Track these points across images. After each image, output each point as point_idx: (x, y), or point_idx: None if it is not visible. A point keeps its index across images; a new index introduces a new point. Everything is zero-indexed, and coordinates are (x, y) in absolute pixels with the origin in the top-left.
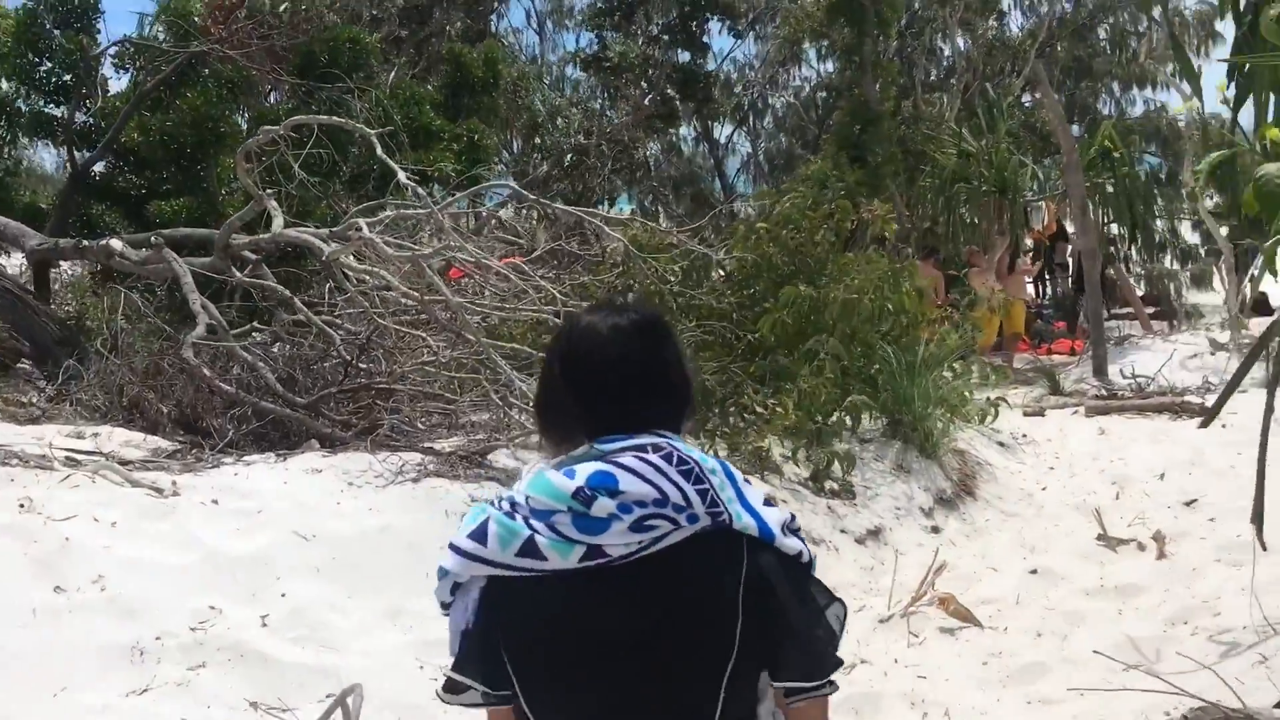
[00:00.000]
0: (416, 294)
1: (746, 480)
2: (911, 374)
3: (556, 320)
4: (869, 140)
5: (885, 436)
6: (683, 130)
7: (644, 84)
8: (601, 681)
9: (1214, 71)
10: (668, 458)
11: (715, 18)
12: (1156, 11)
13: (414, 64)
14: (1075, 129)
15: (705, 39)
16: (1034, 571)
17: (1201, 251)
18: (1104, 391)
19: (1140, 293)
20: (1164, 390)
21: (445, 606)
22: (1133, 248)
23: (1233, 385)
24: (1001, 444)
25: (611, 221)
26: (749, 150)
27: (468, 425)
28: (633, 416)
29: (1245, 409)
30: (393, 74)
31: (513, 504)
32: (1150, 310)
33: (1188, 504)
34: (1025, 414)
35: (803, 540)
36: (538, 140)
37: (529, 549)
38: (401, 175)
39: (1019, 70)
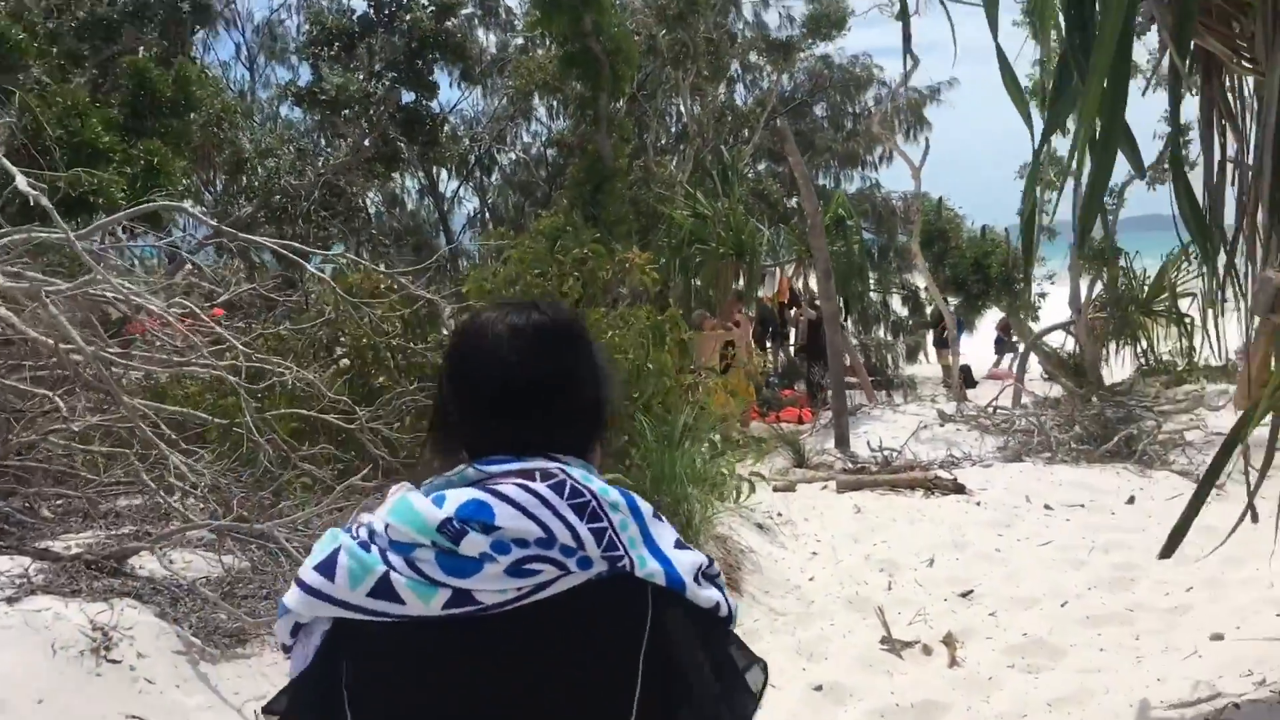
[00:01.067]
0: (50, 341)
1: (658, 517)
2: (671, 447)
3: (238, 380)
4: (603, 198)
5: None
6: (407, 182)
7: (364, 123)
8: None
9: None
10: (558, 487)
11: (443, 60)
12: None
13: (96, 84)
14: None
15: (432, 78)
16: (818, 688)
17: (909, 324)
18: (851, 464)
19: None
20: (911, 464)
21: (286, 650)
22: (848, 318)
23: (1195, 506)
24: (760, 525)
25: (320, 258)
26: (476, 205)
27: (111, 514)
28: (525, 437)
29: (996, 483)
30: (62, 85)
31: (370, 532)
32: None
33: (964, 595)
34: (775, 489)
35: (722, 590)
36: (244, 180)
37: (383, 589)
38: (21, 181)
39: (749, 138)
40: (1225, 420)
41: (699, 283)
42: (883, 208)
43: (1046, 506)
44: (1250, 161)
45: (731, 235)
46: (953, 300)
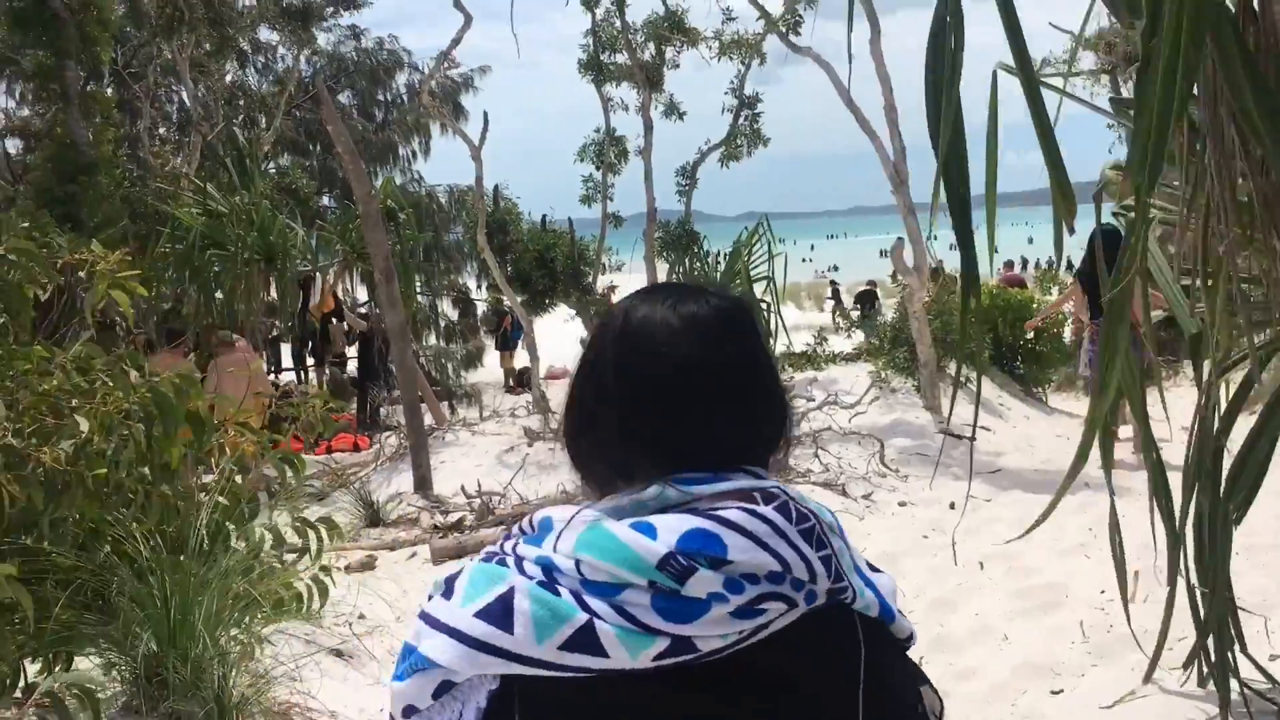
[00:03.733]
0: None
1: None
2: (186, 589)
3: None
4: (82, 195)
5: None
6: None
7: None
8: None
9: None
10: (784, 510)
11: None
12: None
13: None
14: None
15: None
16: None
17: (463, 328)
18: (442, 516)
19: None
20: (522, 508)
21: (407, 716)
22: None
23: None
24: (339, 652)
25: None
26: None
27: None
28: (722, 445)
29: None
30: None
31: (549, 569)
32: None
33: None
34: (347, 569)
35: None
36: None
37: (583, 640)
38: None
39: (269, 124)
40: (837, 417)
41: (220, 295)
42: (426, 203)
43: None
44: None
45: (256, 236)
46: (518, 297)
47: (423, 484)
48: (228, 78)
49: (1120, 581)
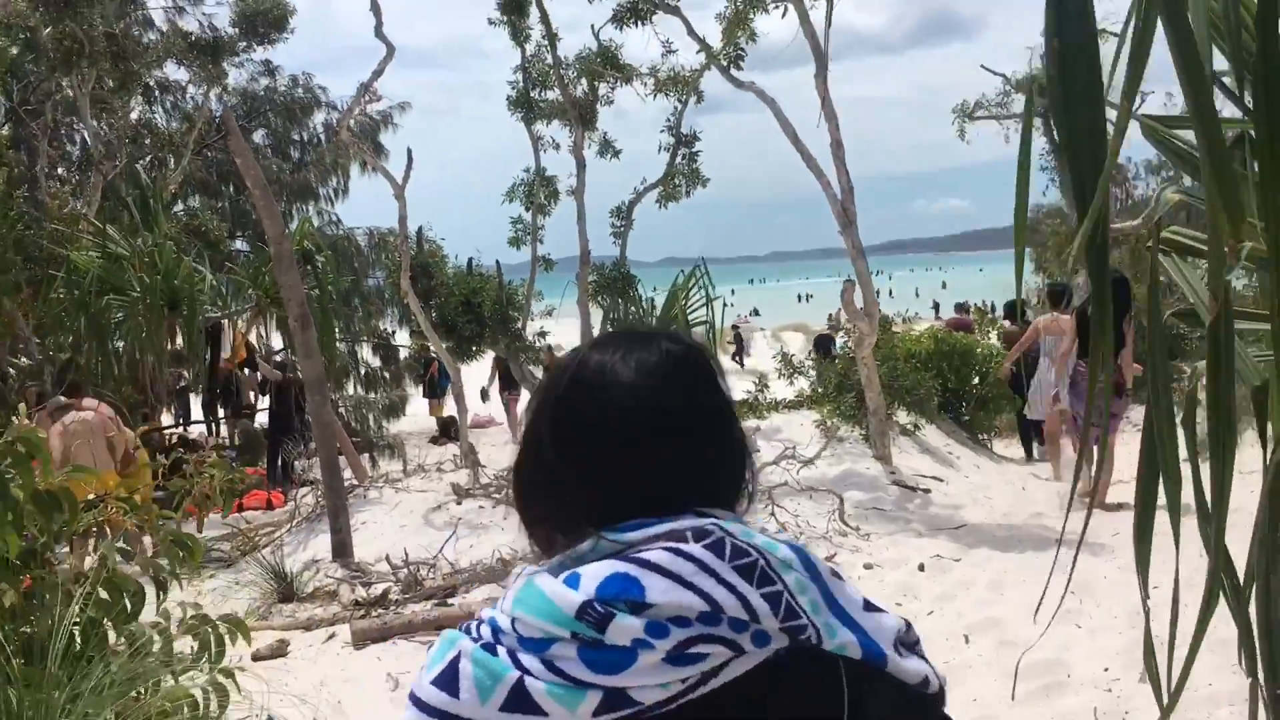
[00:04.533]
0: None
1: (837, 574)
2: (47, 704)
3: None
4: None
5: None
6: None
7: None
8: None
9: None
10: (716, 547)
11: None
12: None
13: None
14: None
15: None
16: None
17: (385, 376)
18: (364, 588)
19: None
20: (453, 577)
21: None
22: None
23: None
24: None
25: None
26: None
27: None
28: (665, 491)
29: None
30: None
31: (495, 630)
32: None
33: None
34: (254, 658)
35: (928, 661)
36: None
37: (519, 699)
38: None
39: (177, 165)
40: (791, 470)
41: (121, 345)
42: (345, 245)
43: None
44: None
45: (160, 280)
46: (444, 343)
47: (342, 550)
48: (133, 114)
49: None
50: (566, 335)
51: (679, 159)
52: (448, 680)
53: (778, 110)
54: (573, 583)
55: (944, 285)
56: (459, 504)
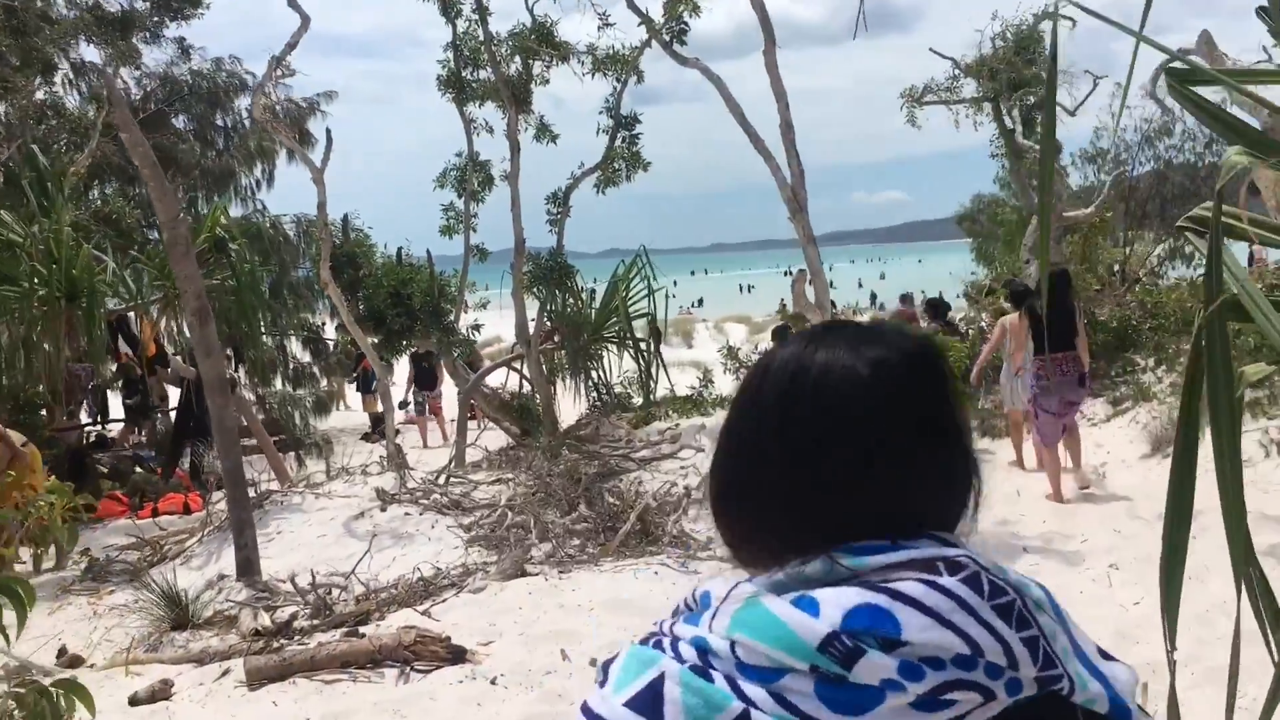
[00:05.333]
0: None
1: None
2: None
3: None
4: None
5: None
6: None
7: None
8: None
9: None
10: (973, 582)
11: None
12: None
13: None
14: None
15: None
16: None
17: (316, 370)
18: (266, 614)
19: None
20: (364, 602)
21: None
22: (239, 368)
23: None
24: None
25: None
26: None
27: None
28: (906, 511)
29: (505, 626)
30: None
31: (703, 651)
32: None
33: None
34: (132, 702)
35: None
36: None
37: None
38: None
39: (85, 146)
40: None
41: (5, 341)
42: (271, 234)
43: (593, 661)
44: None
45: (59, 272)
46: (372, 339)
47: (247, 568)
48: (38, 94)
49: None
50: (502, 328)
51: (618, 142)
52: (647, 704)
53: (723, 88)
54: (810, 609)
55: (883, 276)
56: (383, 510)
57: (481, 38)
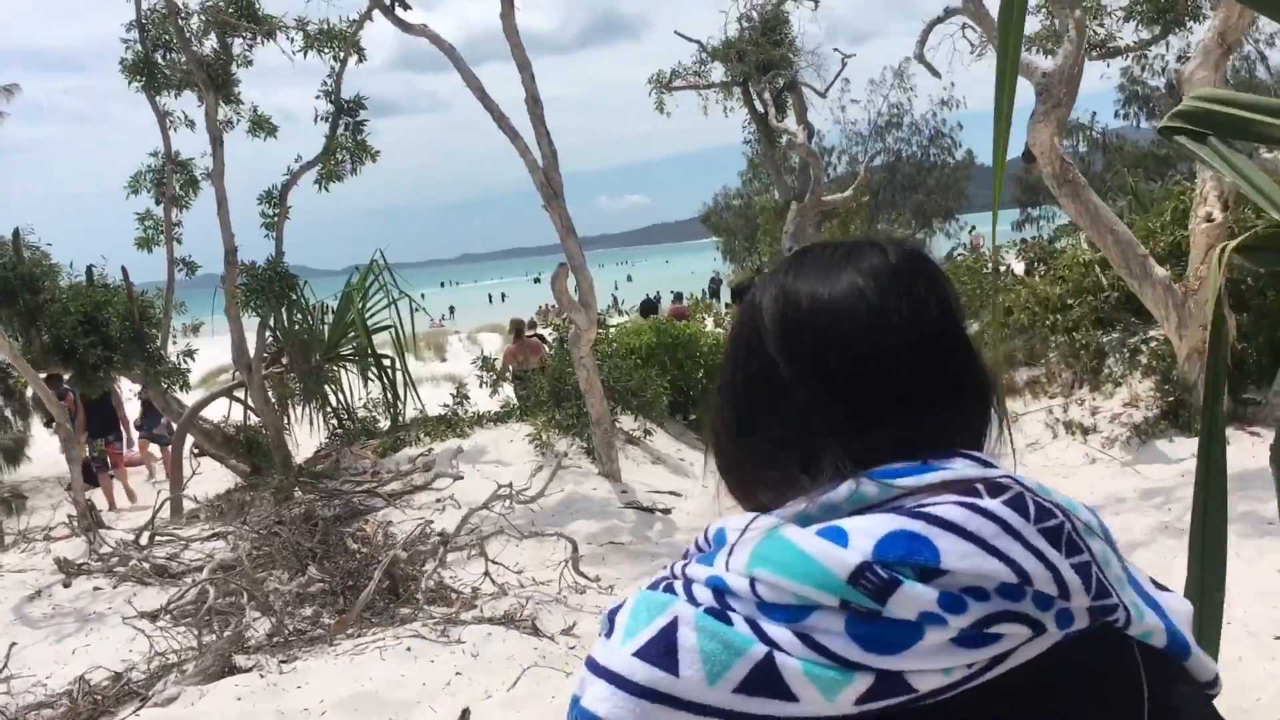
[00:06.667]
0: None
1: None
2: None
3: None
4: None
5: None
6: None
7: None
8: None
9: None
10: (1017, 504)
11: None
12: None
13: None
14: None
15: None
16: None
17: (9, 413)
18: None
19: None
20: None
21: None
22: None
23: None
24: None
25: None
26: None
27: None
28: (931, 429)
29: None
30: None
31: (720, 591)
32: None
33: None
34: None
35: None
36: None
37: (762, 680)
38: None
39: None
40: (475, 491)
41: None
42: None
43: None
44: None
45: None
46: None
47: None
48: None
49: None
50: (222, 355)
51: (341, 129)
52: (660, 652)
53: (456, 57)
54: (838, 538)
55: (629, 279)
56: (66, 586)
57: (167, 10)
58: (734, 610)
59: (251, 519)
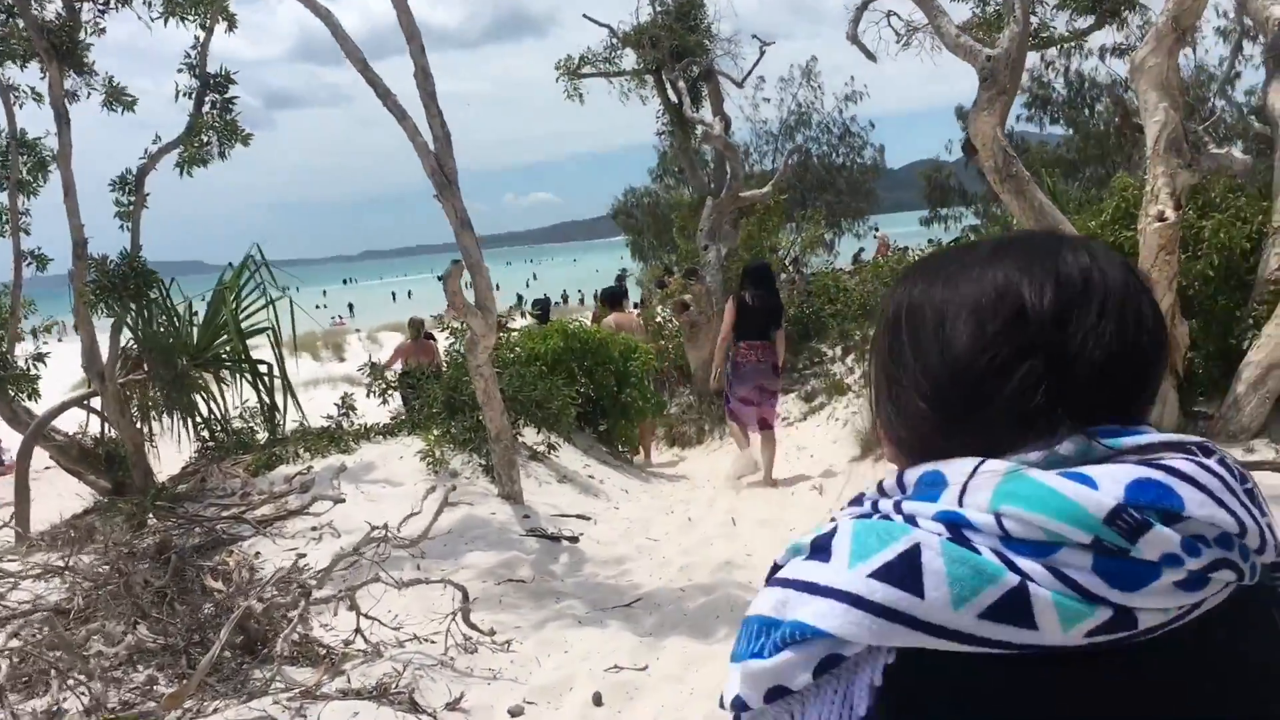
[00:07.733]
0: None
1: None
2: None
3: None
4: None
5: None
6: None
7: None
8: None
9: None
10: (1225, 464)
11: None
12: None
13: None
14: None
15: None
16: None
17: None
18: None
19: None
20: None
21: (771, 700)
22: None
23: None
24: None
25: None
26: None
27: None
28: (1128, 394)
29: None
30: None
31: (958, 525)
32: None
33: None
34: None
35: None
36: None
37: (1010, 608)
38: None
39: None
40: (359, 516)
41: None
42: None
43: None
44: None
45: None
46: None
47: None
48: None
49: None
50: (76, 358)
51: (207, 107)
52: (903, 575)
53: (332, 21)
54: (1088, 482)
55: (535, 277)
56: None
57: None
58: (980, 542)
59: (92, 552)
